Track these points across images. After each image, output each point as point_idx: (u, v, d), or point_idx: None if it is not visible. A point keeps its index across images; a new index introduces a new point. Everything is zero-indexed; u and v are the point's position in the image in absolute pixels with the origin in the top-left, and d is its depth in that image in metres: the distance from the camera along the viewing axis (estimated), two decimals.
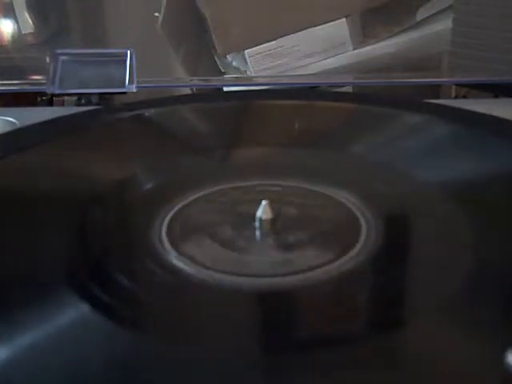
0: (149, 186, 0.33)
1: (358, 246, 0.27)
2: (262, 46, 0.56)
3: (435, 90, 0.56)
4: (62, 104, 0.49)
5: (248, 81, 0.56)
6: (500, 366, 0.19)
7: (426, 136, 0.36)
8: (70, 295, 0.24)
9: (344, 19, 0.56)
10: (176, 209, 0.30)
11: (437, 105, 0.40)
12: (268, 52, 0.56)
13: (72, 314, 0.23)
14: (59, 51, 0.47)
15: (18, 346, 0.21)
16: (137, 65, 0.46)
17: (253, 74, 0.57)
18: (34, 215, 0.30)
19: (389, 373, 0.20)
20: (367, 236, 0.28)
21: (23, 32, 0.57)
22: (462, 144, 0.34)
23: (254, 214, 0.28)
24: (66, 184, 0.32)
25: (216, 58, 0.58)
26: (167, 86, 0.52)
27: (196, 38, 0.60)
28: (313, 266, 0.26)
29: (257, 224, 0.28)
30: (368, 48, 0.57)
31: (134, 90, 0.45)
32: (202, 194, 0.31)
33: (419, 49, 0.56)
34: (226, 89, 0.52)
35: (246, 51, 0.56)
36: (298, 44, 0.56)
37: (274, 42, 0.56)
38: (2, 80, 0.47)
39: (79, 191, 0.31)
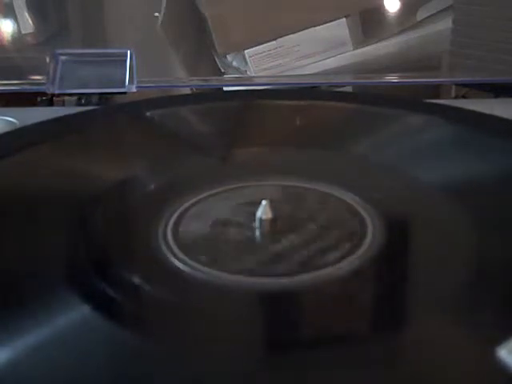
0: (149, 186, 0.33)
1: (358, 246, 0.27)
2: (261, 45, 0.56)
3: (435, 89, 0.56)
4: (62, 104, 0.49)
5: (248, 81, 0.56)
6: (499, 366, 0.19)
7: (426, 136, 0.36)
8: (71, 295, 0.24)
9: (344, 19, 0.56)
10: (176, 209, 0.30)
11: (437, 105, 0.40)
12: (268, 52, 0.56)
13: (72, 314, 0.23)
14: (59, 51, 0.47)
15: (17, 347, 0.21)
16: (137, 65, 0.46)
17: (253, 74, 0.57)
18: (34, 215, 0.30)
19: (389, 373, 0.20)
20: (367, 236, 0.28)
21: (23, 32, 0.57)
22: (463, 144, 0.34)
23: (254, 214, 0.28)
24: (66, 184, 0.32)
25: (216, 58, 0.58)
26: (167, 86, 0.52)
27: (196, 38, 0.60)
28: (313, 268, 0.26)
29: (257, 224, 0.28)
30: (368, 48, 0.57)
31: (134, 90, 0.45)
32: (202, 194, 0.31)
33: (419, 49, 0.56)
34: (225, 89, 0.52)
35: (246, 51, 0.56)
36: (298, 44, 0.56)
37: (273, 42, 0.56)
38: (2, 80, 0.47)
39: (79, 191, 0.31)
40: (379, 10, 0.57)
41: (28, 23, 0.57)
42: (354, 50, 0.57)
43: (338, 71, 0.56)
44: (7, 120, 0.41)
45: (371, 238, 0.28)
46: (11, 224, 0.29)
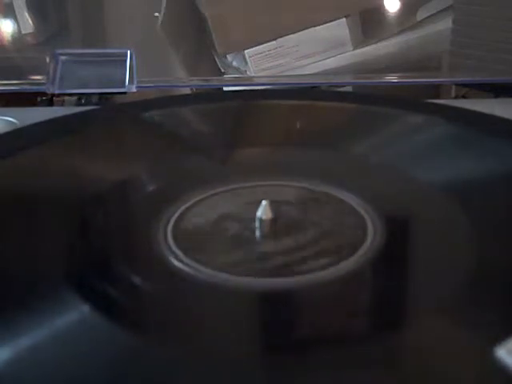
0: (149, 186, 0.33)
1: (358, 246, 0.27)
2: (262, 45, 0.56)
3: (435, 89, 0.56)
4: (62, 104, 0.49)
5: (248, 81, 0.56)
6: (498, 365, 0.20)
7: (426, 136, 0.36)
8: (71, 295, 0.24)
9: (344, 19, 0.56)
10: (176, 210, 0.30)
11: (437, 105, 0.40)
12: (268, 52, 0.56)
13: (72, 314, 0.23)
14: (59, 51, 0.47)
15: (18, 347, 0.21)
16: (137, 65, 0.46)
17: (253, 74, 0.57)
18: (34, 215, 0.30)
19: (389, 373, 0.20)
20: (367, 236, 0.28)
21: (23, 32, 0.57)
22: (462, 144, 0.34)
23: (254, 215, 0.28)
24: (66, 184, 0.32)
25: (216, 58, 0.58)
26: (167, 86, 0.52)
27: (196, 38, 0.60)
28: (313, 267, 0.26)
29: (257, 224, 0.28)
30: (368, 48, 0.57)
31: (134, 90, 0.45)
32: (201, 194, 0.31)
33: (419, 49, 0.56)
34: (225, 89, 0.52)
35: (246, 51, 0.56)
36: (297, 44, 0.56)
37: (273, 42, 0.56)
38: (2, 80, 0.47)
39: (79, 191, 0.31)
40: (379, 10, 0.57)
41: (28, 23, 0.57)
42: (354, 49, 0.57)
43: (337, 71, 0.56)
44: (7, 120, 0.41)
45: (371, 239, 0.28)
46: (11, 224, 0.29)
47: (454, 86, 0.55)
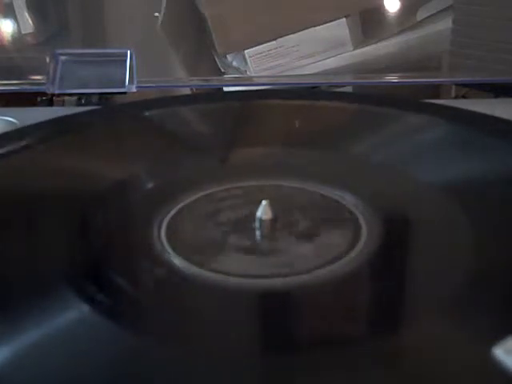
0: (149, 186, 0.33)
1: (358, 246, 0.27)
2: (261, 45, 0.56)
3: (435, 89, 0.56)
4: (62, 104, 0.49)
5: (248, 81, 0.56)
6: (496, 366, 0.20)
7: (426, 136, 0.36)
8: (70, 295, 0.24)
9: (344, 19, 0.56)
10: (176, 209, 0.30)
11: (437, 105, 0.40)
12: (268, 52, 0.56)
13: (72, 314, 0.23)
14: (59, 51, 0.47)
15: (18, 346, 0.21)
16: (137, 65, 0.46)
17: (253, 74, 0.57)
18: (34, 215, 0.30)
19: (389, 373, 0.20)
20: (367, 237, 0.28)
21: (23, 32, 0.57)
22: (462, 144, 0.34)
23: (254, 215, 0.28)
24: (65, 184, 0.32)
25: (216, 58, 0.58)
26: (167, 86, 0.52)
27: (196, 38, 0.60)
28: (312, 267, 0.26)
29: (257, 224, 0.28)
30: (368, 48, 0.57)
31: (134, 90, 0.45)
32: (201, 194, 0.31)
33: (419, 49, 0.56)
34: (225, 89, 0.52)
35: (246, 51, 0.56)
36: (297, 44, 0.56)
37: (273, 42, 0.56)
38: (2, 80, 0.47)
39: (79, 191, 0.31)
40: (379, 10, 0.57)
41: (28, 23, 0.57)
42: (353, 50, 0.57)
43: (337, 71, 0.56)
44: (7, 120, 0.41)
45: (371, 239, 0.28)
46: (11, 224, 0.29)
47: (453, 86, 0.56)
